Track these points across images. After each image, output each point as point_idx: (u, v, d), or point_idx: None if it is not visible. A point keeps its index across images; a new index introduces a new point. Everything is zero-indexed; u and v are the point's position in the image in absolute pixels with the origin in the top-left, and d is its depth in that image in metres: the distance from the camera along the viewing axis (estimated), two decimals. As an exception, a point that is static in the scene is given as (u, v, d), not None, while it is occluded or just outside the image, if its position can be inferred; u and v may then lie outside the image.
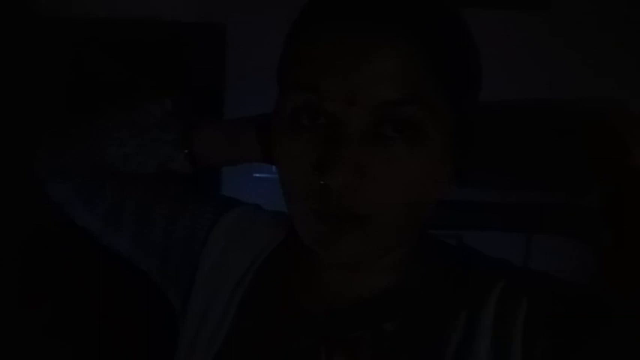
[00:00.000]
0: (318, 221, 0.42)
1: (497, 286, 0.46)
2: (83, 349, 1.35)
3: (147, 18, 1.32)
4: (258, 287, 0.54)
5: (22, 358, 1.35)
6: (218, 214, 0.59)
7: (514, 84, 0.92)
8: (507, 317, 0.44)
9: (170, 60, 1.35)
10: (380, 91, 0.40)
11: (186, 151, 0.58)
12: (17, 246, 1.34)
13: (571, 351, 0.41)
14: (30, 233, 1.31)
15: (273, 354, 0.50)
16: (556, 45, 1.28)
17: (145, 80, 1.31)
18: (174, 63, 1.35)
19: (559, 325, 0.42)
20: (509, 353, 0.43)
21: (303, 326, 0.49)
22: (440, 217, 0.48)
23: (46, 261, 1.34)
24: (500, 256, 0.51)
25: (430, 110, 0.41)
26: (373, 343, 0.46)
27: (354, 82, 0.39)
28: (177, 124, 0.58)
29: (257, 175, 1.22)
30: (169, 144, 0.58)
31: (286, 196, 0.45)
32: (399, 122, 0.40)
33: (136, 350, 1.25)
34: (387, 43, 0.40)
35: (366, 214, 0.42)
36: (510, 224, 1.09)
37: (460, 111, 0.43)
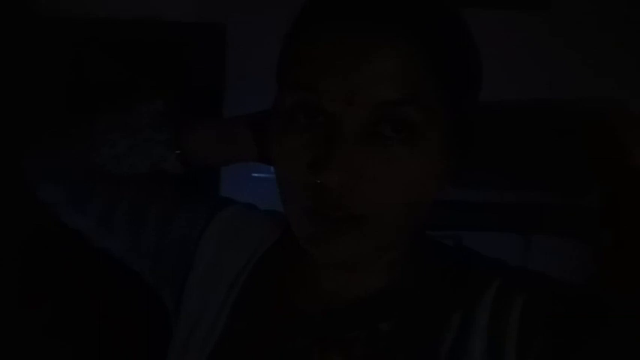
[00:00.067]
0: (313, 221, 0.42)
1: (493, 285, 0.46)
2: (83, 349, 1.35)
3: (147, 18, 1.32)
4: (253, 287, 0.54)
5: (22, 358, 1.35)
6: (212, 213, 0.59)
7: (514, 84, 0.92)
8: (502, 316, 0.44)
9: (170, 60, 1.35)
10: (379, 91, 0.40)
11: (177, 151, 0.58)
12: (17, 246, 1.34)
13: (570, 351, 0.41)
14: (30, 233, 1.31)
15: (267, 354, 0.50)
16: (556, 45, 1.28)
17: (145, 80, 1.30)
18: (174, 63, 1.35)
19: (557, 324, 0.42)
20: (504, 353, 0.43)
21: (299, 326, 0.50)
22: (439, 217, 0.48)
23: (46, 261, 1.34)
24: (499, 257, 0.51)
25: (429, 110, 0.41)
26: (369, 343, 0.47)
27: (353, 82, 0.39)
28: (168, 125, 0.58)
29: (255, 174, 1.22)
30: (161, 145, 0.58)
31: (282, 195, 0.46)
32: (398, 122, 0.40)
33: (133, 350, 1.25)
34: (387, 43, 0.40)
35: (363, 214, 0.42)
36: (509, 224, 1.09)
37: (459, 111, 0.44)
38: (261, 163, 0.58)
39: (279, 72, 0.46)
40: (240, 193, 0.71)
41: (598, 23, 1.28)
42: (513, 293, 0.45)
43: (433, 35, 0.41)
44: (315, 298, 0.50)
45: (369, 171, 0.41)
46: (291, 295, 0.52)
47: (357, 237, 0.42)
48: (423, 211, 0.46)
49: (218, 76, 1.33)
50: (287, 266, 0.54)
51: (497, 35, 1.21)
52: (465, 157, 0.46)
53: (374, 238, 0.43)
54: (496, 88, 0.50)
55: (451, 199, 0.48)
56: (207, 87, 1.33)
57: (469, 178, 0.50)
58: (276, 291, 0.53)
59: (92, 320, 1.34)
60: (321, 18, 0.42)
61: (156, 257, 0.59)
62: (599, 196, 0.45)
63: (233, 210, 0.60)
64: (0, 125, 1.25)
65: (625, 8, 1.27)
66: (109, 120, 0.61)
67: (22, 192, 0.65)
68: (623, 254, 0.43)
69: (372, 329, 0.47)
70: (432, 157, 0.42)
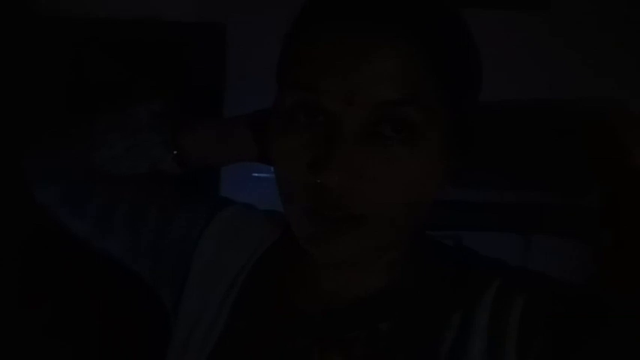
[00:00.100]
0: (313, 221, 0.42)
1: (493, 285, 0.46)
2: (83, 349, 1.35)
3: (147, 18, 1.32)
4: (253, 287, 0.54)
5: (22, 358, 1.35)
6: (212, 213, 0.59)
7: (514, 84, 0.92)
8: (502, 316, 0.44)
9: (170, 60, 1.35)
10: (379, 91, 0.40)
11: (175, 152, 0.58)
12: (17, 246, 1.34)
13: (570, 351, 0.41)
14: (30, 233, 1.31)
15: (267, 354, 0.50)
16: (556, 45, 1.28)
17: (145, 80, 1.31)
18: (174, 63, 1.35)
19: (557, 325, 0.42)
20: (504, 353, 0.43)
21: (299, 326, 0.49)
22: (439, 217, 0.48)
23: (46, 261, 1.34)
24: (499, 257, 0.51)
25: (429, 110, 0.41)
26: (369, 343, 0.47)
27: (353, 81, 0.39)
28: (166, 125, 0.58)
29: (256, 174, 1.22)
30: (159, 145, 0.58)
31: (282, 195, 0.46)
32: (398, 122, 0.40)
33: (132, 350, 1.25)
34: (387, 43, 0.40)
35: (362, 214, 0.42)
36: (509, 224, 1.09)
37: (459, 111, 0.44)
38: (261, 163, 0.58)
39: (279, 72, 0.46)
40: (241, 192, 0.71)
41: (598, 23, 1.28)
42: (513, 293, 0.45)
43: (433, 35, 0.41)
44: (315, 298, 0.50)
45: (369, 171, 0.41)
46: (291, 295, 0.52)
47: (356, 237, 0.42)
48: (423, 211, 0.46)
49: (218, 76, 1.33)
50: (287, 266, 0.54)
51: (497, 35, 1.21)
52: (464, 157, 0.46)
53: (374, 238, 0.43)
54: (496, 88, 0.50)
55: (451, 199, 0.48)
56: (207, 87, 1.33)
57: (469, 178, 0.50)
58: (276, 291, 0.53)
59: (92, 320, 1.34)
60: (320, 18, 0.42)
61: (155, 257, 0.59)
62: (599, 196, 0.45)
63: (233, 210, 0.60)
64: (0, 125, 1.25)
65: (625, 8, 1.27)
66: (106, 121, 0.61)
67: (22, 192, 0.65)
68: (623, 254, 0.43)
69: (372, 329, 0.47)
70: (432, 157, 0.42)
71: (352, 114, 0.40)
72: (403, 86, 0.40)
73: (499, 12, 1.26)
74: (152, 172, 0.59)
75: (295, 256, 0.52)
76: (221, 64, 1.33)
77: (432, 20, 0.42)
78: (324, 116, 0.41)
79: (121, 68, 1.33)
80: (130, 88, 1.28)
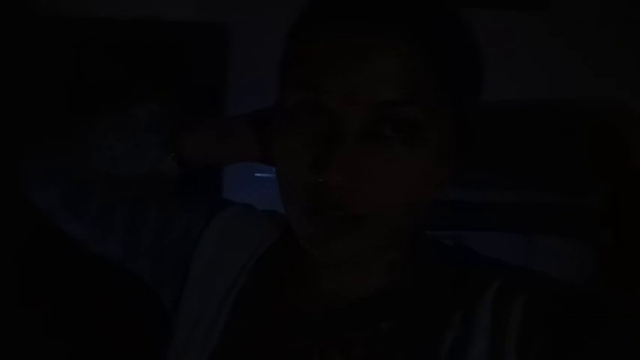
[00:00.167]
0: (314, 221, 0.42)
1: (494, 285, 0.46)
2: (83, 349, 1.35)
3: (147, 18, 1.32)
4: (253, 287, 0.54)
5: (22, 358, 1.35)
6: (212, 213, 0.59)
7: (514, 84, 0.92)
8: (503, 316, 0.44)
9: (170, 60, 1.35)
10: (380, 90, 0.40)
11: (173, 153, 0.57)
12: (17, 246, 1.34)
13: (570, 351, 0.41)
14: (30, 233, 1.31)
15: (268, 354, 0.50)
16: (556, 45, 1.28)
17: (145, 80, 1.30)
18: (174, 63, 1.35)
19: (558, 325, 0.42)
20: (505, 353, 0.43)
21: (299, 326, 0.49)
22: (439, 217, 0.48)
23: (46, 261, 1.34)
24: (499, 257, 0.51)
25: (430, 110, 0.41)
26: (369, 343, 0.47)
27: (354, 81, 0.39)
28: (164, 126, 0.58)
29: (258, 174, 1.21)
30: (158, 146, 0.57)
31: (282, 195, 0.46)
32: (398, 122, 0.41)
33: (132, 350, 1.25)
34: (388, 43, 0.40)
35: (363, 214, 0.42)
36: (510, 225, 1.09)
37: (460, 111, 0.44)
38: (261, 163, 0.58)
39: (280, 71, 0.46)
40: (243, 192, 0.71)
41: (598, 23, 1.28)
42: (514, 293, 0.45)
43: (433, 35, 0.41)
44: (316, 298, 0.50)
45: (370, 171, 0.41)
46: (291, 295, 0.52)
47: (357, 237, 0.42)
48: (423, 211, 0.46)
49: (219, 76, 1.33)
50: (287, 266, 0.54)
51: (498, 35, 1.21)
52: (465, 157, 0.46)
53: (374, 238, 0.43)
54: (496, 88, 0.50)
55: (452, 199, 0.48)
56: (208, 87, 1.33)
57: (469, 178, 0.50)
58: (277, 291, 0.53)
59: (92, 320, 1.34)
60: (321, 18, 0.42)
61: (155, 257, 0.59)
62: (599, 197, 0.45)
63: (233, 210, 0.60)
64: (0, 125, 1.25)
65: (625, 8, 1.27)
66: (105, 121, 0.60)
67: (22, 192, 0.65)
68: (623, 254, 0.43)
69: (373, 329, 0.47)
70: (432, 157, 0.42)
71: (353, 114, 0.40)
72: (403, 86, 0.40)
73: (499, 12, 1.26)
74: (152, 172, 0.59)
75: (295, 256, 0.52)
76: (221, 64, 1.33)
77: (433, 20, 0.42)
78: (326, 116, 0.41)
79: (121, 68, 1.33)
80: (130, 88, 1.28)
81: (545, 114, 0.49)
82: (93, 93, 1.29)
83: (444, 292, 0.48)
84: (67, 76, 1.34)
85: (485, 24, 0.47)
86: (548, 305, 0.44)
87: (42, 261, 1.34)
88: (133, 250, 0.59)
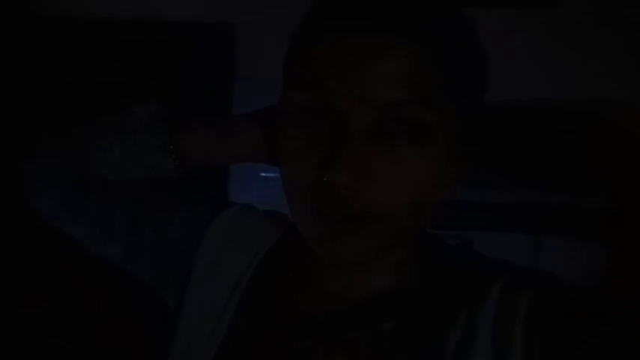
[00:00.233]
0: (320, 221, 0.42)
1: (497, 285, 0.46)
2: (83, 349, 1.35)
3: (147, 18, 1.32)
4: (256, 288, 0.54)
5: (22, 358, 1.35)
6: (213, 214, 0.59)
7: (514, 84, 0.92)
8: (508, 317, 0.44)
9: (170, 60, 1.35)
10: (387, 90, 0.40)
11: (173, 154, 0.57)
12: (17, 245, 1.34)
13: (571, 351, 0.41)
14: (30, 232, 1.31)
15: (271, 355, 0.50)
16: (557, 45, 1.28)
17: (145, 80, 1.30)
18: (174, 63, 1.35)
19: (561, 325, 0.42)
20: (510, 353, 0.43)
21: (302, 327, 0.49)
22: (449, 217, 0.48)
23: (46, 260, 1.34)
24: (509, 257, 0.51)
25: (436, 110, 0.41)
26: (373, 343, 0.47)
27: (361, 81, 0.40)
28: (163, 127, 0.58)
29: (264, 174, 1.21)
30: (157, 148, 0.57)
31: (288, 195, 0.46)
32: (406, 122, 0.41)
33: (133, 350, 1.25)
34: (395, 43, 0.40)
35: (369, 214, 0.42)
36: (520, 225, 1.09)
37: (467, 111, 0.44)
38: (263, 163, 0.57)
39: (285, 71, 0.46)
40: (249, 192, 0.71)
41: (598, 23, 1.28)
42: (518, 293, 0.45)
43: (438, 35, 0.41)
44: (319, 298, 0.50)
45: (377, 171, 0.41)
46: (294, 295, 0.52)
47: (363, 237, 0.42)
48: (430, 211, 0.46)
49: (221, 76, 1.33)
50: (290, 266, 0.54)
51: (498, 35, 1.21)
52: (472, 157, 0.46)
53: (380, 238, 0.43)
54: (496, 88, 0.50)
55: (462, 199, 0.48)
56: (209, 87, 1.32)
57: (470, 178, 0.50)
58: (279, 291, 0.53)
59: (92, 320, 1.34)
60: (328, 18, 0.43)
61: (156, 258, 0.59)
62: (605, 197, 0.45)
63: (234, 211, 0.60)
64: (0, 125, 1.25)
65: (625, 8, 1.27)
66: (104, 123, 0.60)
67: (22, 192, 0.64)
68: (626, 254, 0.43)
69: (376, 329, 0.47)
70: (439, 157, 0.42)
71: (360, 114, 0.40)
72: (411, 86, 0.40)
73: (499, 12, 1.26)
74: (152, 173, 0.59)
75: (298, 256, 0.52)
76: (223, 64, 1.33)
77: (437, 20, 0.42)
78: (332, 116, 0.41)
79: (121, 68, 1.33)
80: (130, 88, 1.28)
81: (546, 114, 0.49)
82: (93, 93, 1.29)
83: (448, 292, 0.48)
84: (67, 76, 1.34)
85: (485, 24, 0.47)
86: (551, 305, 0.44)
87: (42, 261, 1.34)
88: (134, 250, 0.59)
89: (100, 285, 1.30)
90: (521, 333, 0.43)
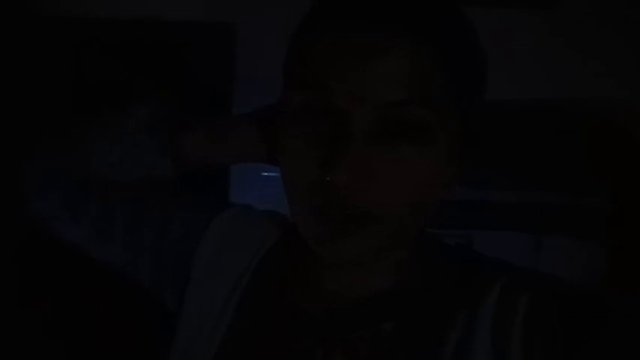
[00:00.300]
0: (320, 220, 0.42)
1: (497, 285, 0.46)
2: (83, 349, 1.35)
3: (147, 18, 1.32)
4: (256, 288, 0.54)
5: (22, 358, 1.35)
6: (212, 214, 0.59)
7: (514, 84, 0.92)
8: (507, 317, 0.44)
9: (170, 60, 1.35)
10: (387, 90, 0.40)
11: (172, 155, 0.57)
12: (17, 245, 1.34)
13: (571, 351, 0.41)
14: (30, 232, 1.31)
15: (271, 355, 0.50)
16: (556, 45, 1.28)
17: (145, 80, 1.30)
18: (174, 63, 1.35)
19: (560, 325, 0.42)
20: (509, 353, 0.43)
21: (302, 327, 0.50)
22: (450, 216, 0.48)
23: (46, 260, 1.34)
24: (509, 257, 0.51)
25: (437, 110, 0.41)
26: (372, 343, 0.47)
27: (362, 81, 0.40)
28: (163, 127, 0.58)
29: (265, 173, 1.21)
30: (156, 149, 0.57)
31: (288, 194, 0.46)
32: (405, 122, 0.41)
33: (133, 351, 1.25)
34: (393, 43, 0.40)
35: (370, 214, 0.42)
36: (520, 224, 1.09)
37: (467, 111, 0.44)
38: (264, 163, 0.57)
39: (285, 71, 0.46)
40: (250, 191, 0.71)
41: (598, 23, 1.28)
42: (517, 293, 0.45)
43: (440, 35, 0.41)
44: (319, 298, 0.50)
45: (377, 171, 0.41)
46: (294, 295, 0.52)
47: (363, 237, 0.42)
48: (430, 211, 0.46)
49: (221, 76, 1.32)
50: (290, 266, 0.54)
51: (497, 35, 1.21)
52: (471, 157, 0.46)
53: (381, 238, 0.43)
54: (496, 88, 0.50)
55: (462, 199, 0.48)
56: (209, 87, 1.32)
57: (470, 178, 0.50)
58: (279, 291, 0.53)
59: (92, 320, 1.34)
60: (328, 18, 0.43)
61: (156, 258, 0.59)
62: (606, 197, 0.45)
63: (233, 211, 0.60)
64: (0, 125, 1.25)
65: (625, 8, 1.27)
66: (104, 123, 0.60)
67: (22, 191, 0.64)
68: (627, 254, 0.43)
69: (376, 329, 0.47)
70: (439, 157, 0.42)
71: (361, 113, 0.40)
72: (411, 86, 0.40)
73: (502, 11, 1.26)
74: (152, 173, 0.59)
75: (298, 255, 0.52)
76: (223, 64, 1.32)
77: (437, 20, 0.42)
78: (332, 116, 0.41)
79: (121, 68, 1.33)
80: (130, 88, 1.28)
81: (546, 114, 0.49)
82: (93, 93, 1.29)
83: (448, 292, 0.48)
84: (67, 76, 1.34)
85: (485, 24, 0.47)
86: (551, 305, 0.44)
87: (42, 261, 1.34)
88: (134, 250, 0.59)
89: (100, 285, 1.30)
90: (521, 333, 0.43)
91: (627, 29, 1.27)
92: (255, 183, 1.19)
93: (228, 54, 1.32)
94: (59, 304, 1.36)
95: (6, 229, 1.32)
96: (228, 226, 0.58)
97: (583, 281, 0.46)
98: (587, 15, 1.28)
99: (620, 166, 0.43)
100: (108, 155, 0.58)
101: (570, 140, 0.46)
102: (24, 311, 1.36)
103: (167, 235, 0.58)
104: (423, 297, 0.48)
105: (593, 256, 0.47)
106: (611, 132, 0.44)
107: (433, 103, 0.41)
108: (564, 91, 1.18)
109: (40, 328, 1.35)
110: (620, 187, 0.43)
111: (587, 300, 0.43)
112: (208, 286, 0.56)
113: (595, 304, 0.43)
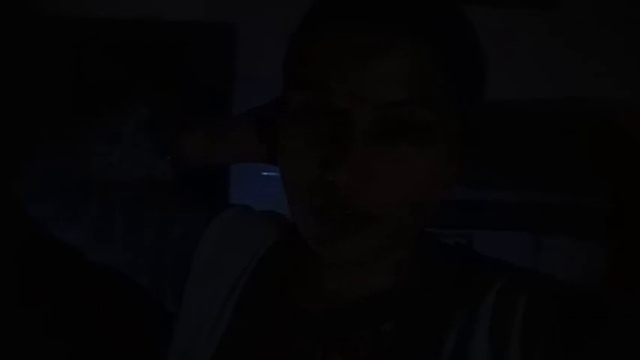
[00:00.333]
0: (320, 220, 0.42)
1: (496, 285, 0.46)
2: (83, 349, 1.35)
3: (147, 18, 1.32)
4: (255, 288, 0.54)
5: (22, 358, 1.35)
6: (211, 214, 0.59)
7: (514, 84, 0.92)
8: (506, 317, 0.44)
9: (170, 60, 1.35)
10: (388, 90, 0.40)
11: (169, 157, 0.57)
12: (17, 245, 1.34)
13: (571, 351, 0.41)
14: (30, 232, 1.31)
15: (270, 355, 0.50)
16: (556, 44, 1.28)
17: (145, 80, 1.30)
18: (174, 63, 1.35)
19: (559, 325, 0.42)
20: (508, 353, 0.43)
21: (302, 327, 0.50)
22: (450, 216, 0.48)
23: (46, 260, 1.34)
24: (510, 256, 0.51)
25: (437, 110, 0.41)
26: (372, 343, 0.47)
27: (363, 81, 0.40)
28: (158, 129, 0.58)
29: (265, 173, 1.21)
30: (154, 149, 0.57)
31: (288, 195, 0.46)
32: (405, 122, 0.41)
33: (133, 351, 1.25)
34: (393, 43, 0.40)
35: (370, 214, 0.42)
36: (520, 224, 1.09)
37: (467, 110, 0.44)
38: (264, 163, 0.57)
39: (285, 71, 0.46)
40: (250, 191, 0.71)
41: (598, 23, 1.28)
42: (516, 293, 0.45)
43: (440, 35, 0.42)
44: (318, 298, 0.50)
45: (378, 171, 0.41)
46: (293, 295, 0.52)
47: (364, 237, 0.43)
48: (430, 211, 0.46)
49: (221, 76, 1.32)
50: (289, 266, 0.54)
51: (497, 35, 1.21)
52: (471, 157, 0.46)
53: (381, 238, 0.43)
54: (496, 88, 0.50)
55: (462, 199, 0.48)
56: (209, 87, 1.32)
57: (470, 178, 0.50)
58: (279, 291, 0.53)
59: (92, 320, 1.34)
60: (328, 18, 0.43)
61: (155, 258, 0.59)
62: (606, 197, 0.45)
63: (233, 211, 0.60)
64: (0, 126, 1.25)
65: (625, 8, 1.27)
66: (103, 124, 0.60)
67: (21, 192, 0.64)
68: (627, 254, 0.43)
69: (376, 329, 0.47)
70: (440, 157, 0.42)
71: (361, 113, 0.40)
72: (411, 86, 0.40)
73: (502, 11, 1.26)
74: (151, 173, 0.59)
75: (298, 255, 0.52)
76: (223, 64, 1.32)
77: (436, 19, 0.42)
78: (332, 116, 0.41)
79: (121, 68, 1.33)
80: (130, 88, 1.28)
81: (546, 114, 0.49)
82: (93, 93, 1.29)
83: (447, 292, 0.48)
84: (67, 76, 1.34)
85: (485, 24, 0.47)
86: (551, 305, 0.44)
87: (42, 261, 1.34)
88: (134, 250, 0.59)
89: (99, 285, 1.30)
90: (520, 333, 0.43)
91: (627, 29, 1.27)
92: (255, 183, 1.18)
93: (228, 54, 1.32)
94: (59, 304, 1.36)
95: (6, 229, 1.32)
96: (228, 226, 0.58)
97: (583, 281, 0.46)
98: (587, 15, 1.28)
99: (620, 166, 0.43)
100: (108, 155, 0.58)
101: (570, 140, 0.46)
102: (24, 311, 1.36)
103: (167, 235, 0.58)
104: (423, 297, 0.48)
105: (593, 256, 0.47)
106: (611, 132, 0.44)
107: (433, 103, 0.41)
108: (564, 91, 1.18)
109: (40, 328, 1.35)
110: (620, 187, 0.43)
111: (587, 300, 0.43)
112: (208, 285, 0.56)
113: (595, 304, 0.43)
